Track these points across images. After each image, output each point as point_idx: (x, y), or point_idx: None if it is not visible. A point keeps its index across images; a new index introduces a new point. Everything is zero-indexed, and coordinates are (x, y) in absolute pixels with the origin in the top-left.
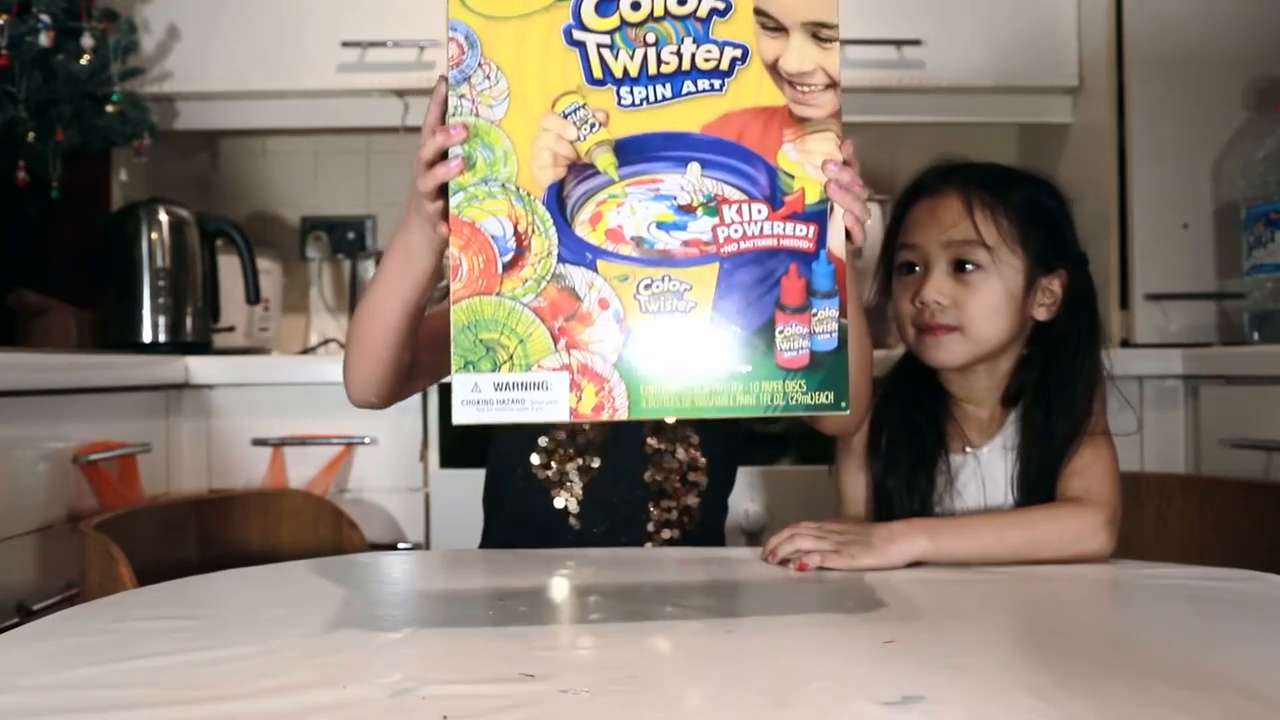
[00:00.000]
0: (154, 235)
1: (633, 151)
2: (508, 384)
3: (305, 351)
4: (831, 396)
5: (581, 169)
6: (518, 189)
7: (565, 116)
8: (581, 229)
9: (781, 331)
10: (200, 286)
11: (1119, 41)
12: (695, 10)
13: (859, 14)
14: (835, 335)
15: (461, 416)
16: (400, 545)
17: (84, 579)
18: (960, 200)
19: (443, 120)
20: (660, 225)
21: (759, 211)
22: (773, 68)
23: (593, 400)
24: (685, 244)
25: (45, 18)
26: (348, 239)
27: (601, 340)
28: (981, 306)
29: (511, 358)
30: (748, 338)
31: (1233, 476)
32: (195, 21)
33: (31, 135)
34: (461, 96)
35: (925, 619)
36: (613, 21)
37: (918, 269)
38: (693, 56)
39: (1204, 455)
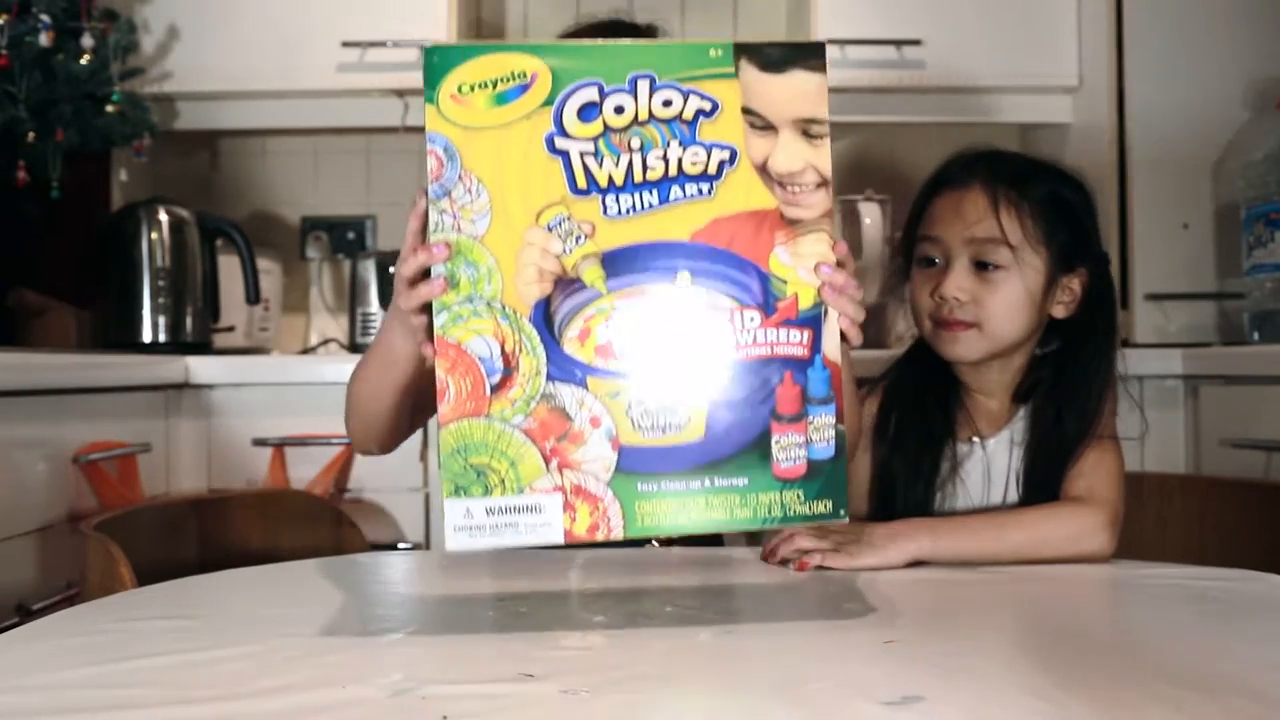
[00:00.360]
0: (154, 235)
1: (621, 263)
2: (500, 508)
3: (305, 351)
4: (830, 505)
5: (568, 283)
6: (503, 307)
7: (550, 229)
8: (570, 346)
9: (778, 442)
10: (200, 286)
11: (1119, 42)
12: (681, 113)
13: (859, 14)
14: (832, 442)
15: (454, 543)
16: (400, 545)
17: (84, 579)
18: (986, 196)
19: (424, 234)
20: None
21: (751, 319)
22: (762, 168)
23: (587, 521)
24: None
25: (45, 18)
26: (348, 239)
27: (594, 459)
28: (1001, 305)
29: (503, 481)
30: (743, 450)
31: (1233, 476)
32: (195, 21)
33: (31, 135)
34: (443, 212)
35: (925, 619)
36: (596, 128)
37: (938, 262)
38: (679, 161)
39: (1204, 455)
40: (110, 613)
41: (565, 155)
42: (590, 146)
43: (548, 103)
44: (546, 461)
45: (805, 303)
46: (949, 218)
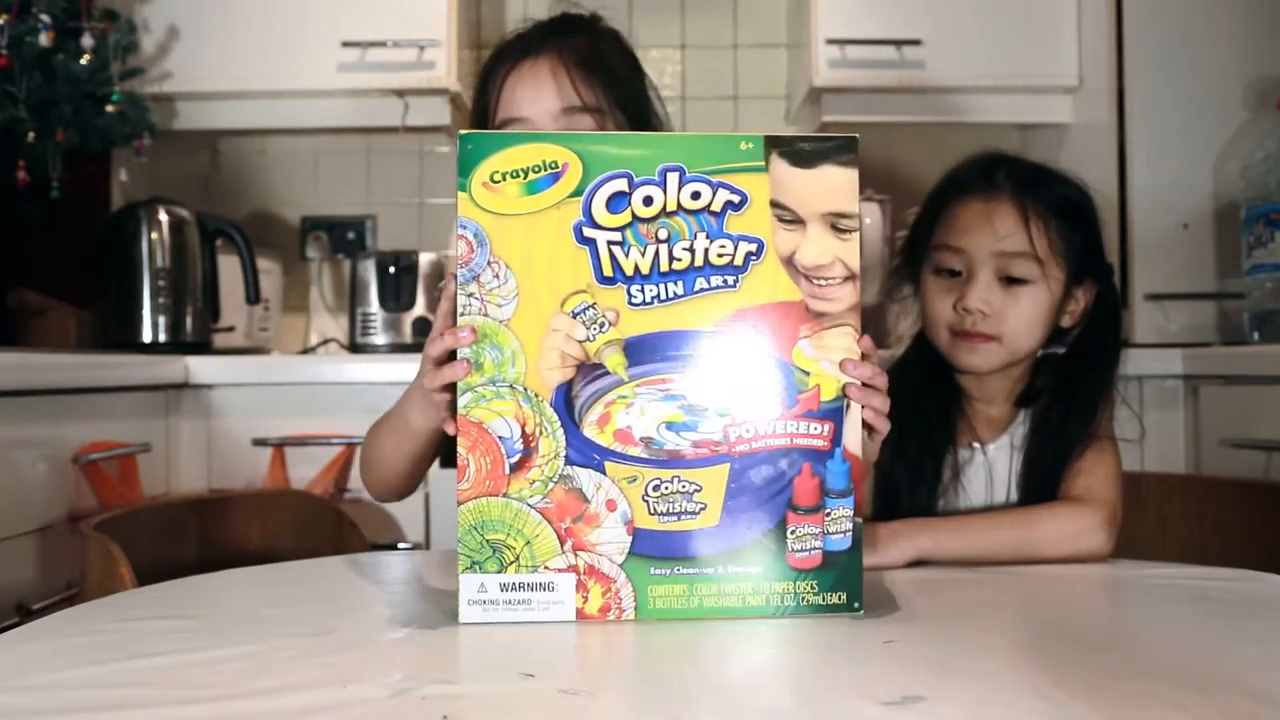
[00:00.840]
0: (154, 235)
1: (643, 350)
2: (514, 585)
3: (305, 351)
4: (844, 597)
5: (590, 369)
6: (525, 390)
7: (574, 316)
8: (590, 430)
9: (793, 532)
10: (200, 286)
11: (1119, 41)
12: (709, 204)
13: (859, 14)
14: (849, 535)
15: (467, 616)
16: (400, 545)
17: (84, 579)
18: (1015, 209)
19: (454, 316)
20: (670, 426)
21: (766, 405)
22: (788, 261)
23: (599, 601)
24: (695, 444)
25: (45, 18)
26: (348, 239)
27: (609, 542)
28: (1024, 319)
29: (518, 559)
30: (758, 539)
31: (1233, 476)
32: (195, 21)
33: (31, 135)
34: (470, 295)
35: (925, 619)
36: (624, 218)
37: (960, 273)
38: (706, 252)
39: (1204, 455)
40: (110, 613)
41: (593, 244)
42: (618, 236)
43: (577, 193)
44: (562, 542)
45: (827, 395)
46: (976, 229)
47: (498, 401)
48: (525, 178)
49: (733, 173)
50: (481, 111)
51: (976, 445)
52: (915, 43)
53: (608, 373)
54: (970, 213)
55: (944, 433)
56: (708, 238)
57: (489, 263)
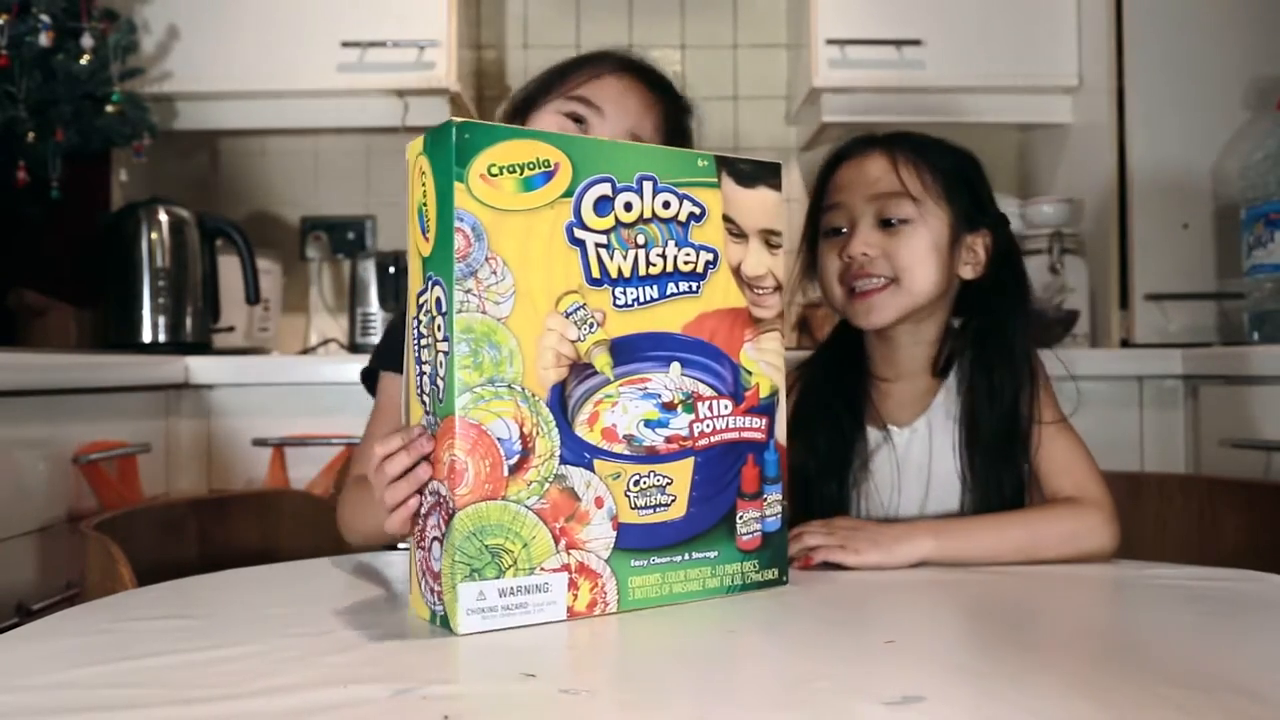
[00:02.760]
0: (154, 235)
1: (625, 351)
2: (512, 589)
3: (305, 351)
4: (776, 572)
5: (581, 369)
6: (523, 389)
7: (567, 316)
8: (581, 429)
9: (740, 517)
10: (200, 286)
11: (1119, 41)
12: (677, 214)
13: (859, 14)
14: (779, 516)
15: (466, 626)
16: (400, 545)
17: (84, 579)
18: (885, 157)
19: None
20: (647, 423)
21: (725, 407)
22: (736, 271)
23: (587, 597)
24: (668, 440)
25: (45, 18)
26: (348, 239)
27: (597, 538)
28: (911, 256)
29: (516, 562)
30: (715, 525)
31: (1233, 476)
32: (195, 21)
33: (31, 135)
34: (468, 291)
35: (925, 619)
36: (609, 221)
37: (844, 230)
38: (675, 259)
39: (1204, 455)
40: (110, 613)
41: (583, 245)
42: (604, 239)
43: (568, 193)
44: (556, 541)
45: (764, 392)
46: (851, 183)
47: (496, 402)
48: (522, 173)
49: (694, 186)
50: (552, 77)
51: (888, 429)
52: (915, 43)
53: (596, 372)
54: (845, 171)
55: (851, 420)
56: (676, 245)
57: (487, 258)
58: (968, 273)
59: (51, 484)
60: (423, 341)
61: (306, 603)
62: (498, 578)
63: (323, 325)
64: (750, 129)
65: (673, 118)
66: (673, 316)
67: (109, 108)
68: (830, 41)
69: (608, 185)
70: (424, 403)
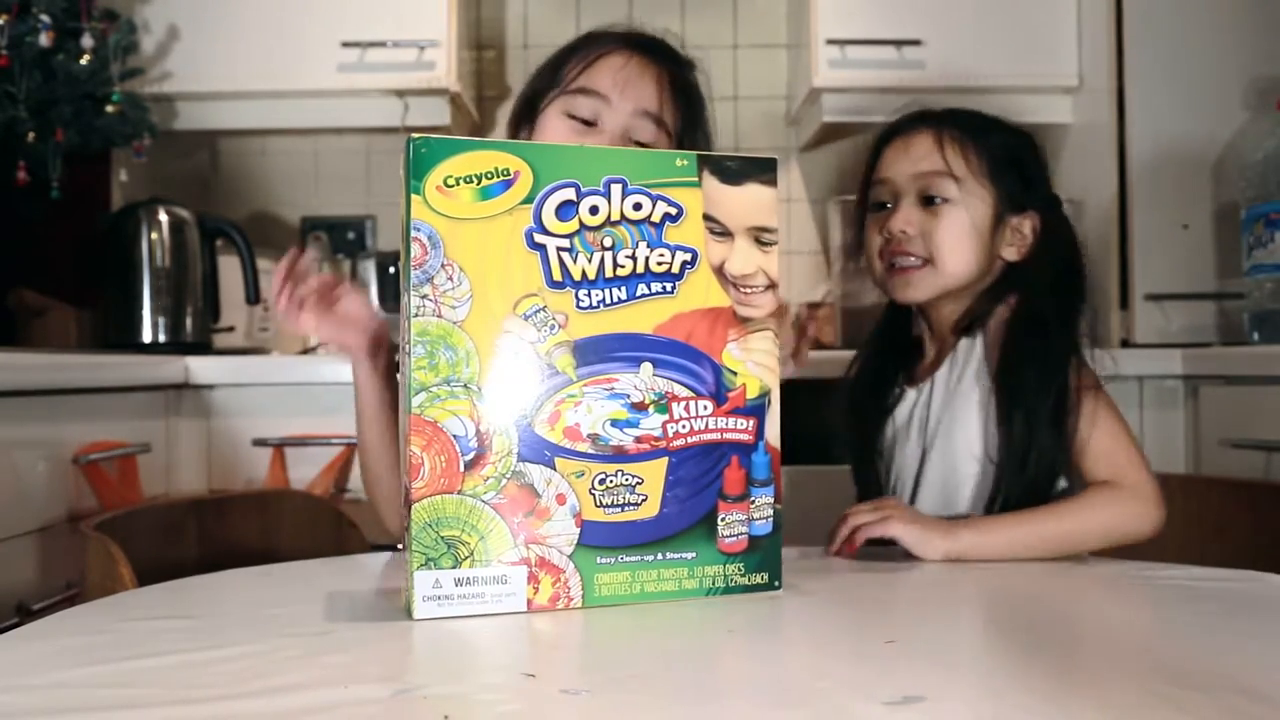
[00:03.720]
0: (154, 235)
1: (590, 352)
2: (468, 579)
3: (305, 351)
4: (766, 577)
5: (543, 369)
6: (480, 389)
7: (526, 319)
8: (541, 428)
9: (723, 519)
10: (200, 286)
11: (1119, 41)
12: (649, 215)
13: (859, 14)
14: (770, 520)
15: (422, 612)
16: (400, 546)
17: (84, 579)
18: (931, 136)
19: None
20: (614, 423)
21: (704, 408)
22: (719, 270)
23: (549, 591)
24: (638, 440)
25: (45, 18)
26: (348, 239)
27: (559, 534)
28: (949, 236)
29: (472, 554)
30: (692, 526)
31: (1233, 476)
32: (195, 21)
33: (31, 135)
34: (424, 297)
35: (925, 619)
36: (572, 225)
37: (888, 205)
38: (646, 260)
39: (1204, 455)
40: (110, 613)
41: (543, 250)
42: (567, 243)
43: (528, 200)
44: (514, 535)
45: (752, 393)
46: (896, 159)
47: (452, 401)
48: (479, 183)
49: (670, 187)
50: (550, 70)
51: (909, 389)
52: (915, 43)
53: (558, 372)
54: (893, 149)
55: (889, 375)
56: (648, 246)
57: (443, 265)
58: (1011, 254)
59: (51, 484)
60: (402, 345)
61: (306, 603)
62: (454, 567)
63: None
64: (750, 129)
65: (679, 79)
66: (644, 317)
67: (109, 108)
68: (830, 41)
69: (571, 190)
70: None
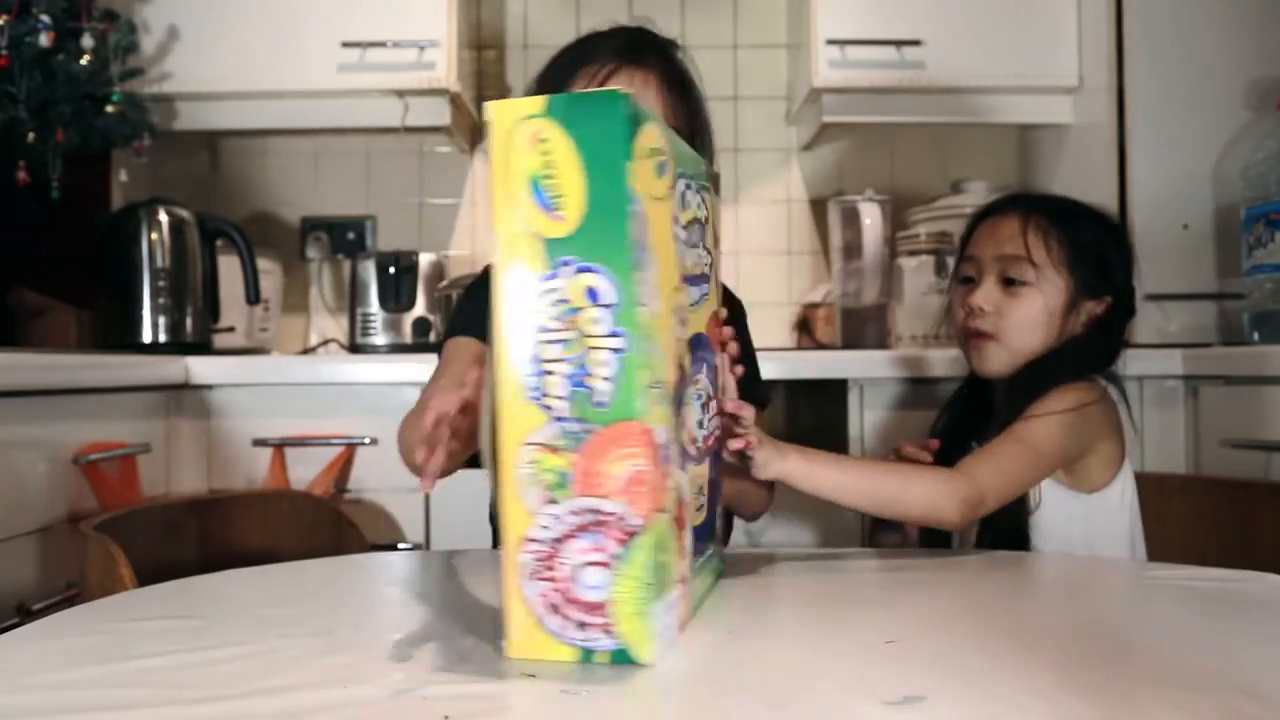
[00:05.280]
0: (154, 235)
1: (693, 351)
2: (668, 605)
3: (305, 351)
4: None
5: (681, 370)
6: (667, 390)
7: (674, 314)
8: (683, 433)
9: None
10: (200, 287)
11: (1119, 41)
12: (697, 216)
13: (859, 14)
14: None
15: (655, 653)
16: (400, 545)
17: (84, 579)
18: (1018, 220)
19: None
20: (699, 425)
21: (714, 407)
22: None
23: (682, 609)
24: (705, 440)
25: (45, 18)
26: (348, 239)
27: (686, 544)
28: (1020, 317)
29: (672, 576)
30: (713, 526)
31: (1233, 476)
32: (195, 21)
33: (31, 135)
34: (642, 284)
35: (925, 619)
36: (687, 217)
37: (974, 280)
38: (700, 261)
39: (1204, 455)
40: (110, 613)
41: (678, 241)
42: (684, 235)
43: (672, 185)
44: (681, 550)
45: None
46: (984, 240)
47: (659, 406)
48: (654, 158)
49: (704, 190)
50: (556, 89)
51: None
52: (915, 43)
53: (686, 373)
54: (984, 229)
55: (962, 438)
56: (705, 250)
57: (645, 249)
58: (1079, 330)
59: (51, 484)
60: (546, 336)
61: (306, 603)
62: (666, 594)
63: (323, 325)
64: (750, 129)
65: (673, 73)
66: (702, 318)
67: (109, 108)
68: (830, 41)
69: (683, 182)
70: (548, 408)
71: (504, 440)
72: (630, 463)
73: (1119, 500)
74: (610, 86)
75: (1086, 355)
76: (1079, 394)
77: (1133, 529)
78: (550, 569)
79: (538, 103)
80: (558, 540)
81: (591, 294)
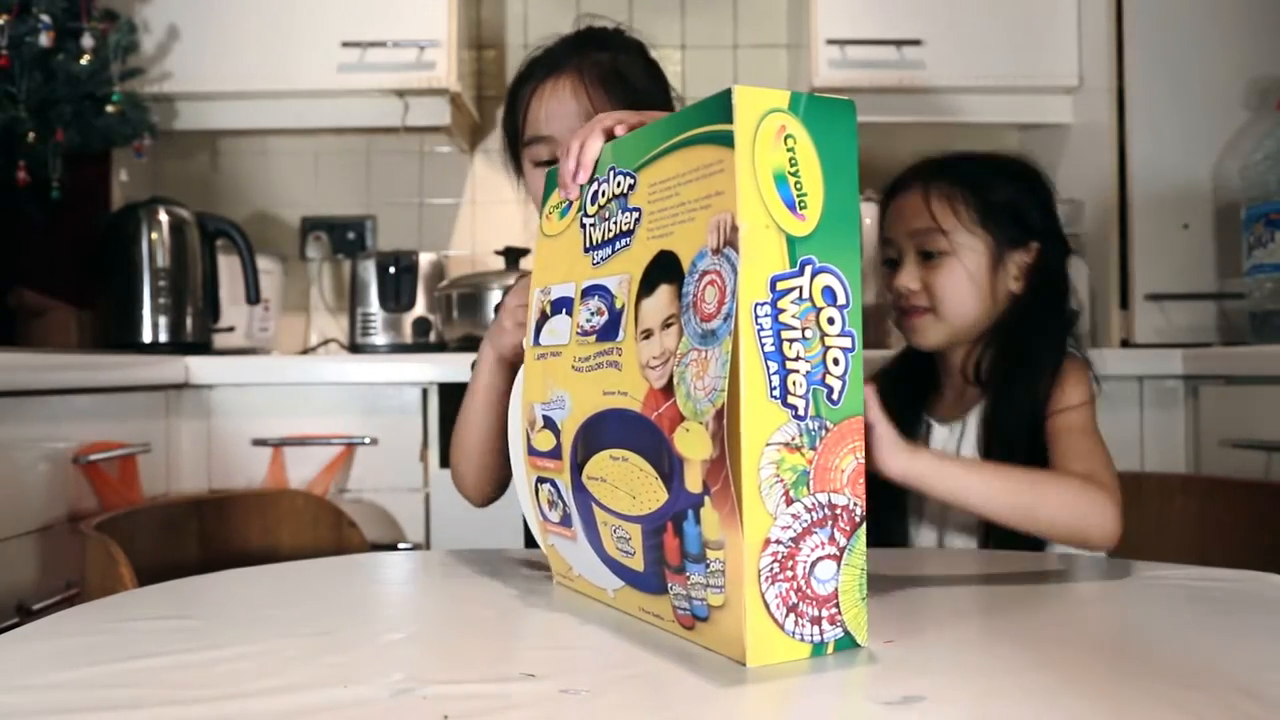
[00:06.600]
0: (154, 235)
1: None
2: None
3: (305, 351)
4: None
5: None
6: None
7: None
8: None
9: (670, 589)
10: (200, 286)
11: (1119, 41)
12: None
13: (859, 14)
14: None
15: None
16: (400, 545)
17: (84, 579)
18: (919, 193)
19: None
20: None
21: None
22: None
23: None
24: None
25: (45, 18)
26: (348, 239)
27: None
28: (948, 288)
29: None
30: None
31: (1233, 476)
32: (195, 21)
33: (31, 135)
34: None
35: (925, 619)
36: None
37: (896, 262)
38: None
39: (1204, 455)
40: (110, 613)
41: None
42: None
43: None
44: None
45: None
46: (895, 219)
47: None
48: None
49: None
50: (512, 130)
51: (930, 421)
52: (915, 43)
53: None
54: (893, 208)
55: (909, 407)
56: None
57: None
58: (1016, 286)
59: (51, 484)
60: (790, 334)
61: (306, 603)
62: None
63: (323, 325)
64: None
65: (604, 72)
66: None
67: (109, 108)
68: (830, 41)
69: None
70: (791, 407)
71: (746, 441)
72: (856, 456)
73: None
74: (533, 109)
75: (1045, 315)
76: (1080, 371)
77: None
78: (788, 569)
79: (783, 97)
80: (795, 539)
81: (828, 294)
